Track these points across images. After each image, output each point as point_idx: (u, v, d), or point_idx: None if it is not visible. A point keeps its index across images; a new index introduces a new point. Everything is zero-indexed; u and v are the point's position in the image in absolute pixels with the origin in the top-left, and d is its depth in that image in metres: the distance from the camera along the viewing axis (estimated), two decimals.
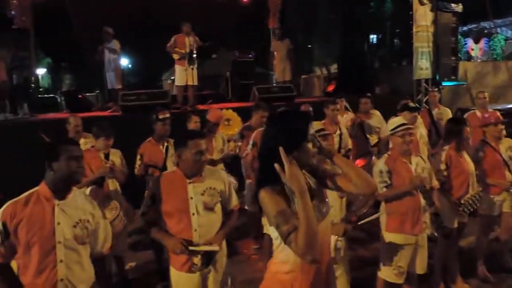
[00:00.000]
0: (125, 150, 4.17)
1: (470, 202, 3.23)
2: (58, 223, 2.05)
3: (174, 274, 2.52)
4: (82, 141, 4.39)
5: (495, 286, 3.70)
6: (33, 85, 8.62)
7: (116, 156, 3.92)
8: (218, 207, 2.51)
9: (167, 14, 10.83)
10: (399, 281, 3.11)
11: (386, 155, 3.12)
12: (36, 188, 2.13)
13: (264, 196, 1.68)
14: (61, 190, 2.10)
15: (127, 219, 3.63)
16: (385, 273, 3.13)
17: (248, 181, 4.42)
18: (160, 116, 3.98)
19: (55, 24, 9.93)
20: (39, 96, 9.01)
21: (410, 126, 3.05)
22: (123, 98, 6.44)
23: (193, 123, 4.57)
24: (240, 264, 4.22)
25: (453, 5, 7.55)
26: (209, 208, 2.45)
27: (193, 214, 2.41)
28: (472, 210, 3.24)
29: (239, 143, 4.53)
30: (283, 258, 1.76)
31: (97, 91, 9.05)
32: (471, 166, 3.48)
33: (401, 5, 10.98)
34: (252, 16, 11.09)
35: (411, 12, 7.44)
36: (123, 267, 4.10)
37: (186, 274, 2.45)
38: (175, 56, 7.06)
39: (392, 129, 3.00)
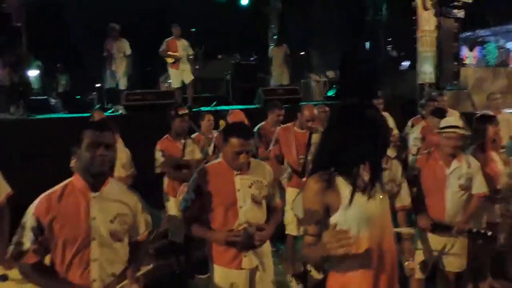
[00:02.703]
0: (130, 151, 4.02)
1: (505, 194, 3.19)
2: (94, 218, 1.87)
3: (220, 271, 2.41)
4: None
5: None
6: (25, 86, 8.33)
7: (124, 154, 3.80)
8: (264, 202, 2.44)
9: (165, 15, 10.73)
10: (421, 276, 3.02)
11: (425, 153, 3.06)
12: (70, 179, 1.94)
13: (308, 185, 1.67)
14: (91, 181, 1.89)
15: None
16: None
17: None
18: (180, 112, 3.87)
19: (48, 23, 9.68)
20: (31, 98, 8.70)
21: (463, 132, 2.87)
22: (128, 98, 6.26)
23: (207, 121, 4.60)
24: None
25: (455, 11, 7.66)
26: (256, 202, 2.37)
27: (241, 206, 2.33)
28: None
29: (257, 144, 4.45)
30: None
31: (94, 92, 8.80)
32: (499, 164, 3.43)
33: (399, 11, 11.13)
34: (253, 20, 11.08)
35: (414, 17, 7.52)
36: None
37: (235, 270, 2.36)
38: (169, 60, 7.12)
39: (441, 128, 2.89)
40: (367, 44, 13.50)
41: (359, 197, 1.64)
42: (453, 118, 3.04)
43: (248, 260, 2.36)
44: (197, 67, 7.39)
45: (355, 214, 1.63)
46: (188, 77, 7.18)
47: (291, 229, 3.82)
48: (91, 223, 1.86)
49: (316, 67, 12.16)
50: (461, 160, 2.92)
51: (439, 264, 3.05)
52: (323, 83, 10.50)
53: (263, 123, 4.65)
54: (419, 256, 2.99)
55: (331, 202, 1.64)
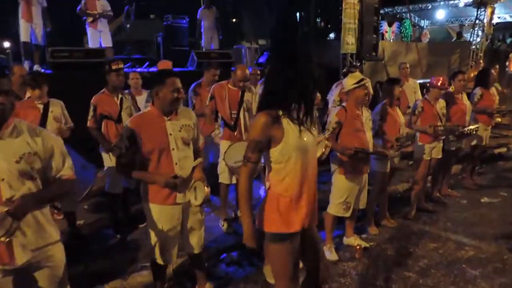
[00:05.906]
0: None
1: (402, 140, 3.84)
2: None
3: (156, 209, 2.63)
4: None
5: (414, 222, 4.47)
6: None
7: (56, 107, 3.74)
8: (191, 144, 2.68)
9: None
10: (346, 214, 3.61)
11: (340, 108, 3.51)
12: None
13: (256, 120, 1.99)
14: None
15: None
16: (335, 209, 3.59)
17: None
18: (114, 67, 3.86)
19: None
20: None
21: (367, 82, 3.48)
22: (54, 55, 5.93)
23: (131, 79, 4.87)
24: None
25: None
26: (186, 143, 2.62)
27: (173, 149, 2.55)
28: (401, 148, 3.83)
29: (194, 100, 4.63)
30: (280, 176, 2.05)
31: (8, 45, 8.04)
32: (401, 118, 4.07)
33: None
34: None
35: None
36: (75, 223, 4.00)
37: (170, 206, 2.60)
38: (89, 19, 6.87)
39: (356, 83, 3.38)
40: (298, 14, 14.01)
41: (298, 131, 1.99)
42: (357, 73, 3.58)
43: (182, 195, 2.62)
44: (128, 25, 7.14)
45: (294, 144, 1.98)
46: (106, 41, 7.02)
47: (224, 178, 4.13)
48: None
49: (247, 35, 12.37)
50: (364, 109, 3.56)
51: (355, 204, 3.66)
52: (254, 49, 10.75)
53: (199, 81, 4.81)
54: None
55: (275, 135, 1.98)
